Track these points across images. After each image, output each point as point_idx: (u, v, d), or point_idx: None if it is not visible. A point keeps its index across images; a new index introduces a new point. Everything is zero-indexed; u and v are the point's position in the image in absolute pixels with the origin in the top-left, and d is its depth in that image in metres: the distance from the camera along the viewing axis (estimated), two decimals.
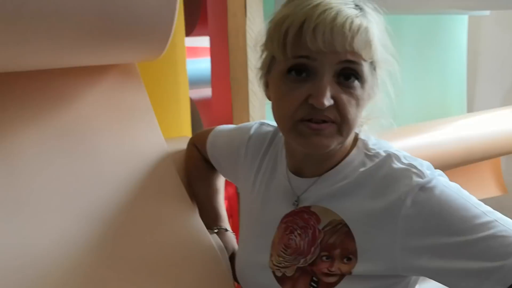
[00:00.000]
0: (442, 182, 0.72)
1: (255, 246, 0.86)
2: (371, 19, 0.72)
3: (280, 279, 0.80)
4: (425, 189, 0.70)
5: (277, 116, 0.76)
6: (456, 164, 1.70)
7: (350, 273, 0.74)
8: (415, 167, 0.72)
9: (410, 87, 1.84)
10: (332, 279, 0.75)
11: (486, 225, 0.66)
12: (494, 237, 0.65)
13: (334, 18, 0.68)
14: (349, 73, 0.71)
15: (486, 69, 2.25)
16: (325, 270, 0.75)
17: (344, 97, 0.71)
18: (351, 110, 0.72)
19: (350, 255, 0.74)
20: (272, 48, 0.74)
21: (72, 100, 0.99)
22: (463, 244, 0.67)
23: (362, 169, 0.77)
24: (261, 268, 0.82)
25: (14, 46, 0.80)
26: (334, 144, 0.73)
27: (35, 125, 0.94)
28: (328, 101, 0.69)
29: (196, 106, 1.67)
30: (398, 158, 0.75)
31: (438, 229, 0.68)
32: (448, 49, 1.95)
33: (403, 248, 0.71)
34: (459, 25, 1.95)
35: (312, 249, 0.77)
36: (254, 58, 1.19)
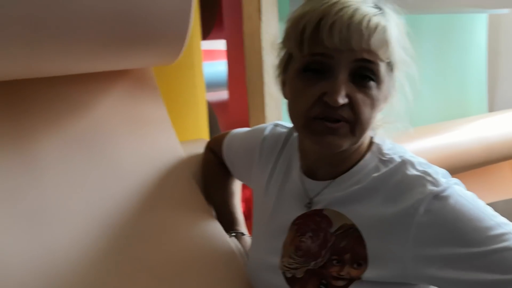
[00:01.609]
0: (457, 191, 0.70)
1: (267, 247, 0.86)
2: (389, 19, 0.71)
3: (290, 281, 0.79)
4: (439, 197, 0.69)
5: (292, 112, 0.76)
6: (476, 165, 1.68)
7: (359, 278, 0.73)
8: (430, 175, 0.71)
9: (430, 87, 1.83)
10: (341, 283, 0.74)
11: (501, 237, 0.66)
12: (508, 249, 0.65)
13: (352, 15, 0.67)
14: (365, 73, 0.70)
15: (507, 68, 2.22)
16: (335, 274, 0.75)
17: (359, 97, 0.70)
18: (366, 110, 0.71)
19: (360, 260, 0.73)
20: (290, 45, 0.74)
21: (88, 107, 1.00)
22: (476, 256, 0.66)
23: (375, 174, 0.76)
24: (272, 269, 0.82)
25: (32, 54, 0.81)
26: (347, 144, 0.73)
27: (53, 132, 0.95)
28: (342, 99, 0.69)
29: (213, 108, 1.68)
30: (412, 165, 0.74)
31: (451, 239, 0.68)
32: (468, 48, 1.93)
33: (415, 256, 0.70)
34: (479, 24, 1.93)
35: (323, 252, 0.77)
36: (270, 60, 1.20)
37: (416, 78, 0.76)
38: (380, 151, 0.78)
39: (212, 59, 2.54)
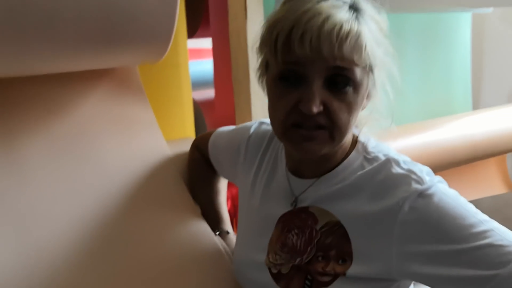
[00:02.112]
0: (441, 189, 0.71)
1: (252, 244, 0.86)
2: (364, 22, 0.70)
3: (275, 276, 0.80)
4: (423, 195, 0.70)
5: (271, 119, 0.77)
6: (461, 162, 1.69)
7: (344, 274, 0.74)
8: (415, 173, 0.72)
9: (414, 85, 1.84)
10: (325, 279, 0.75)
11: (483, 234, 0.67)
12: (490, 246, 0.66)
13: (322, 25, 0.67)
14: (340, 80, 0.70)
15: (491, 66, 2.25)
16: (320, 270, 0.76)
17: (335, 104, 0.70)
18: (342, 116, 0.71)
19: (345, 257, 0.74)
20: (265, 52, 0.74)
21: (72, 106, 1.00)
22: (459, 252, 0.67)
23: (360, 172, 0.76)
24: (257, 266, 0.83)
25: (15, 52, 0.81)
26: (326, 149, 0.73)
27: (38, 131, 0.95)
28: (316, 108, 0.69)
29: (200, 107, 1.68)
30: (397, 163, 0.74)
31: (435, 236, 0.69)
32: (452, 47, 1.95)
33: (399, 253, 0.71)
34: (463, 22, 1.95)
35: (309, 248, 0.78)
36: (255, 59, 1.20)
37: (397, 76, 0.76)
38: (365, 150, 0.79)
39: (199, 57, 2.53)
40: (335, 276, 0.74)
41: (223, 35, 1.32)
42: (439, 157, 1.57)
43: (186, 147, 1.12)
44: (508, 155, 2.02)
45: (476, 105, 2.13)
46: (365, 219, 0.73)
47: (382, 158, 0.76)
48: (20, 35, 0.78)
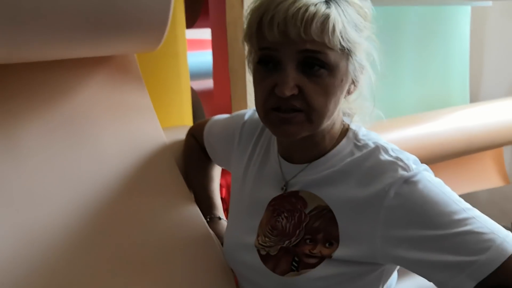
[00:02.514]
0: (426, 176, 0.73)
1: (243, 226, 0.88)
2: (336, 6, 0.70)
3: (264, 258, 0.82)
4: (409, 182, 0.72)
5: (255, 105, 0.79)
6: (457, 154, 1.70)
7: (330, 256, 0.76)
8: (402, 160, 0.74)
9: (412, 78, 1.85)
10: (312, 261, 0.77)
11: (464, 221, 0.69)
12: (471, 233, 0.68)
13: (288, 8, 0.68)
14: (312, 62, 0.71)
15: (490, 60, 2.24)
16: (307, 252, 0.78)
17: (310, 86, 0.72)
18: (318, 98, 0.72)
19: (332, 240, 0.76)
20: (247, 41, 0.77)
21: (70, 92, 1.02)
22: (440, 238, 0.69)
23: (349, 159, 0.78)
24: (247, 248, 0.85)
25: (12, 38, 0.83)
26: (305, 131, 0.75)
27: (36, 117, 0.97)
28: (290, 91, 0.71)
29: (199, 97, 1.70)
30: (386, 150, 0.77)
31: (418, 221, 0.71)
32: (450, 40, 1.95)
33: (383, 237, 0.73)
34: (462, 15, 1.95)
35: (297, 231, 0.80)
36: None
37: (377, 60, 0.77)
38: (355, 137, 0.81)
39: (202, 48, 2.54)
40: (321, 259, 0.76)
41: (221, 25, 1.33)
42: (434, 149, 1.58)
43: (182, 134, 1.14)
44: (504, 148, 2.02)
45: (476, 99, 2.13)
46: (353, 204, 0.76)
47: (372, 145, 0.78)
48: (17, 22, 0.80)
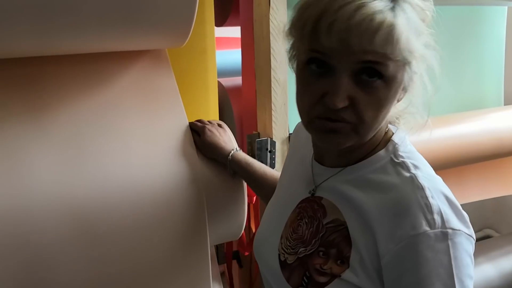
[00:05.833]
0: (443, 248, 0.65)
1: (271, 224, 0.88)
2: (402, 12, 0.64)
3: (282, 264, 0.81)
4: (424, 242, 0.65)
5: (298, 108, 0.74)
6: (488, 157, 1.67)
7: (339, 276, 0.72)
8: (432, 213, 0.66)
9: (446, 78, 1.82)
10: (322, 279, 0.74)
11: None
12: None
13: (352, 15, 0.61)
14: (369, 74, 0.65)
15: None
16: (318, 267, 0.75)
17: (363, 98, 0.66)
18: (370, 111, 0.67)
19: (343, 259, 0.73)
20: (294, 36, 0.72)
21: (103, 83, 1.06)
22: None
23: (381, 176, 0.73)
24: (271, 248, 0.84)
25: (48, 32, 0.88)
26: (350, 142, 0.70)
27: (67, 108, 1.02)
28: (342, 103, 0.65)
29: (227, 93, 1.72)
30: (420, 189, 0.69)
31: (408, 281, 0.66)
32: (486, 41, 1.91)
33: (379, 271, 0.70)
34: (498, 16, 1.91)
35: (313, 241, 0.77)
36: (277, 47, 1.23)
37: (437, 70, 0.70)
38: (394, 152, 0.75)
39: (235, 46, 2.57)
40: (332, 277, 0.73)
41: (248, 23, 1.35)
42: (465, 151, 1.56)
43: None
44: None
45: (509, 101, 2.08)
46: (367, 229, 0.71)
47: (406, 175, 0.71)
48: (54, 19, 0.85)
